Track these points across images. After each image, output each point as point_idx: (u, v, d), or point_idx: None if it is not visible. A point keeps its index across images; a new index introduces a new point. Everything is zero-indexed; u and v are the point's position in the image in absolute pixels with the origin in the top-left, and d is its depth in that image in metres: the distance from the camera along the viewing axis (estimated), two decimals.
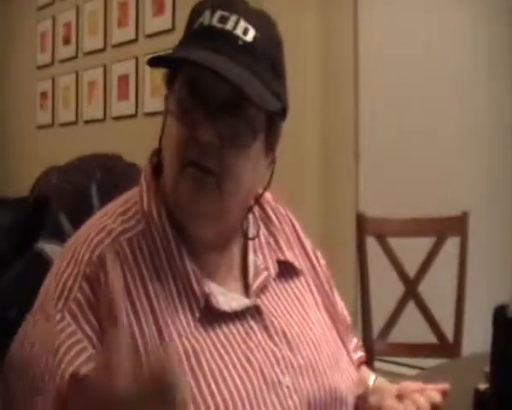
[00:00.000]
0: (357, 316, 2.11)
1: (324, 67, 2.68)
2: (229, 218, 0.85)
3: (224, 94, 0.78)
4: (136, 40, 3.55)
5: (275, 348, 0.84)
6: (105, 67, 3.76)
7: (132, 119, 3.52)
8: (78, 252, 0.80)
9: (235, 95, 0.78)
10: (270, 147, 0.86)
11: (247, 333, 0.83)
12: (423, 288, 2.05)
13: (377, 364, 1.97)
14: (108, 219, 0.84)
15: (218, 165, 0.79)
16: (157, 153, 0.88)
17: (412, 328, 2.01)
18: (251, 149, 0.82)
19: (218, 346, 0.79)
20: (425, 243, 2.06)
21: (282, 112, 0.86)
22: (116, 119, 3.67)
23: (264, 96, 0.80)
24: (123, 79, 3.62)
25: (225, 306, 0.82)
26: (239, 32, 0.79)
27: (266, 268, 0.90)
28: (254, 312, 0.85)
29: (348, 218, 2.12)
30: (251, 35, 0.79)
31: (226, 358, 0.79)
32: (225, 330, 0.81)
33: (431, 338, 2.02)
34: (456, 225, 2.05)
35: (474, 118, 2.42)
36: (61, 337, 0.74)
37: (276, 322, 0.86)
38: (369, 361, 1.94)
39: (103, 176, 1.09)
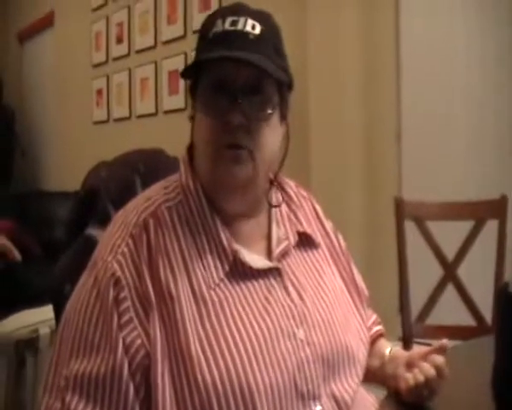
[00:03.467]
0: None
1: (366, 51, 2.68)
2: (257, 188, 0.98)
3: (244, 80, 0.93)
4: (184, 36, 3.66)
5: (291, 305, 0.95)
6: (156, 63, 3.90)
7: (182, 112, 3.64)
8: (127, 218, 0.96)
9: (252, 78, 0.93)
10: (283, 116, 1.00)
11: (268, 290, 0.95)
12: (462, 271, 2.09)
13: (416, 347, 2.02)
14: (152, 192, 1.00)
15: (248, 140, 0.93)
16: (189, 149, 1.02)
17: (451, 311, 2.05)
18: (271, 119, 0.96)
19: (242, 297, 0.92)
20: (464, 227, 2.09)
21: (289, 84, 1.00)
22: (167, 112, 3.80)
23: (276, 71, 0.95)
24: (173, 74, 3.74)
25: (251, 263, 0.94)
26: (249, 28, 0.94)
27: (287, 238, 1.02)
28: (275, 273, 0.97)
29: (390, 201, 2.17)
30: (258, 29, 0.94)
31: (247, 308, 0.91)
32: (249, 284, 0.93)
33: (469, 321, 2.06)
34: (495, 209, 2.07)
35: None
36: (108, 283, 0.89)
37: (294, 283, 0.98)
38: (408, 344, 2.01)
39: (146, 169, 1.21)
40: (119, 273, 0.89)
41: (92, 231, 1.09)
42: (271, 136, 0.96)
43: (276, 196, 1.07)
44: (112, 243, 0.93)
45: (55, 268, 1.13)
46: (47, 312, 1.39)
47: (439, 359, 0.96)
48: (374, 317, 1.17)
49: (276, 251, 0.99)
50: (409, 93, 2.70)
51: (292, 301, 0.95)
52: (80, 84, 4.76)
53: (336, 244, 1.12)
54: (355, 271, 1.14)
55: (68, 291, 0.96)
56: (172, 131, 3.64)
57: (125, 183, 1.17)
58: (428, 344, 2.20)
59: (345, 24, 2.66)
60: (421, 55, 2.67)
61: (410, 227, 2.10)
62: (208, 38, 0.95)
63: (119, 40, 4.28)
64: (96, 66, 4.57)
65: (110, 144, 4.26)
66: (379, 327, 1.17)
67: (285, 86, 0.99)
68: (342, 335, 0.98)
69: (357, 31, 2.67)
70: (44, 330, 1.59)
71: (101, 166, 1.19)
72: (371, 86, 2.67)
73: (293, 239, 1.03)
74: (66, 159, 4.97)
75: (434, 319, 2.08)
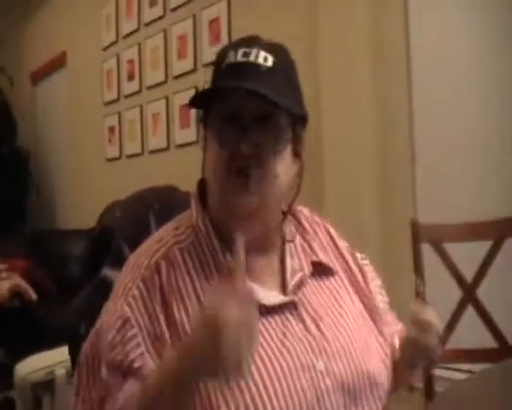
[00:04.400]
0: None
1: (377, 70, 2.66)
2: (267, 218, 0.98)
3: (253, 111, 0.93)
4: (195, 70, 3.70)
5: (310, 337, 0.94)
6: (167, 98, 3.94)
7: (194, 145, 3.66)
8: (139, 260, 0.96)
9: (263, 109, 0.93)
10: (296, 154, 0.99)
11: (284, 325, 0.93)
12: (482, 292, 2.05)
13: (438, 371, 1.98)
14: (164, 234, 1.00)
15: (258, 170, 0.93)
16: (201, 182, 1.02)
17: (471, 334, 2.01)
18: (284, 152, 0.95)
19: (258, 335, 0.89)
20: (482, 246, 2.04)
21: (303, 120, 0.99)
22: (179, 146, 3.83)
23: (288, 104, 0.94)
24: (184, 108, 3.77)
25: (265, 301, 0.93)
26: (261, 61, 0.94)
27: (301, 269, 1.01)
28: (291, 307, 0.96)
29: (406, 224, 2.15)
30: (270, 61, 0.94)
31: (265, 344, 0.90)
32: (264, 321, 0.92)
33: (491, 343, 2.01)
34: None
35: None
36: (118, 330, 0.89)
37: (311, 314, 0.96)
38: (428, 368, 1.96)
39: (160, 206, 1.21)
40: (129, 314, 0.90)
41: (106, 271, 1.10)
42: (282, 169, 0.95)
43: (289, 230, 1.06)
44: (123, 287, 0.94)
45: (70, 308, 1.14)
46: (62, 353, 1.39)
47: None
48: (397, 327, 1.15)
49: (291, 283, 0.99)
50: (422, 114, 2.69)
51: (309, 333, 0.94)
52: (92, 123, 4.83)
53: (352, 265, 1.10)
54: (374, 291, 1.11)
55: (84, 332, 0.97)
56: (185, 164, 3.67)
57: (139, 221, 1.18)
58: (450, 369, 2.16)
59: (355, 44, 2.67)
60: (435, 79, 2.66)
61: (426, 249, 2.08)
62: (221, 68, 0.96)
63: (131, 77, 4.35)
64: (108, 103, 4.64)
65: (123, 181, 4.30)
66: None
67: (299, 122, 0.98)
68: (363, 361, 0.97)
69: (368, 57, 2.68)
70: (60, 372, 1.59)
71: (115, 205, 1.19)
72: (384, 110, 2.68)
73: (307, 270, 1.02)
74: (80, 197, 5.02)
75: (454, 342, 2.04)
